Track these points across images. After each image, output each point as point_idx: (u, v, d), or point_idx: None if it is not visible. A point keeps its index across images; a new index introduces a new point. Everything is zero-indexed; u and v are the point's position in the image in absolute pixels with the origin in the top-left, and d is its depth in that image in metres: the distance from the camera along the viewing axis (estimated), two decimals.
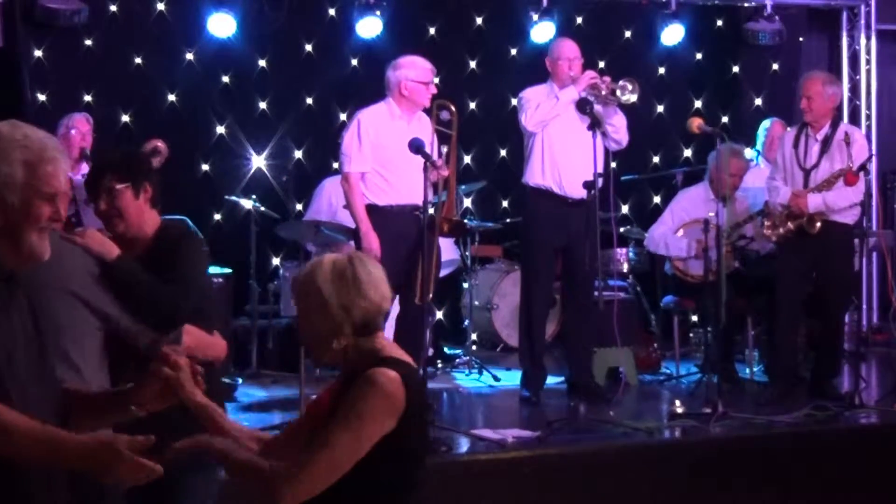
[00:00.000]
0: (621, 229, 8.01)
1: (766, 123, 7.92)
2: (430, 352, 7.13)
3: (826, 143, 6.40)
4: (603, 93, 6.27)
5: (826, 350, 6.61)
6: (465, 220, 6.57)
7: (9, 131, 2.40)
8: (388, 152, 6.00)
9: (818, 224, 6.30)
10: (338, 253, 2.81)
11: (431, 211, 5.73)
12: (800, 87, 6.56)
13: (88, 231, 3.45)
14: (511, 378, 7.11)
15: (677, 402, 6.23)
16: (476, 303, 8.15)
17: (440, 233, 5.77)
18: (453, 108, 6.08)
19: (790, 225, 6.39)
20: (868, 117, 9.85)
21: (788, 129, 6.79)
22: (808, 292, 6.58)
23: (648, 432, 5.42)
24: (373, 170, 6.05)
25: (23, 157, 2.37)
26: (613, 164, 6.74)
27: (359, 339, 2.70)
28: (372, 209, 6.03)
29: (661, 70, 9.55)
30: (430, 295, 5.80)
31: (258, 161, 8.57)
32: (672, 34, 9.17)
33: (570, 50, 6.44)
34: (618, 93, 6.26)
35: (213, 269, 7.30)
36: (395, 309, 6.14)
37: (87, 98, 8.16)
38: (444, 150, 6.02)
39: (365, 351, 2.70)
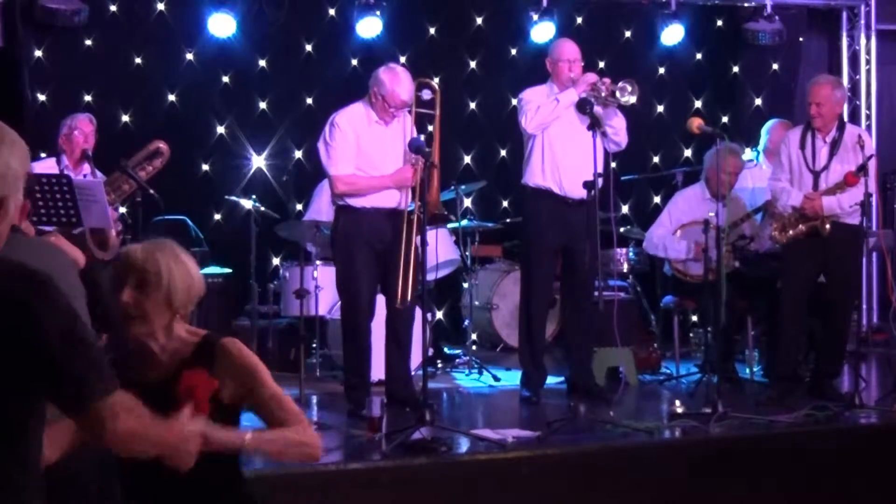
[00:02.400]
0: (621, 229, 8.01)
1: (769, 124, 7.91)
2: (430, 352, 7.13)
3: (835, 146, 6.38)
4: (603, 94, 6.26)
5: (830, 351, 6.59)
6: (447, 213, 6.53)
7: None
8: (365, 157, 5.93)
9: (828, 226, 6.30)
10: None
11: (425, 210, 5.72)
12: (807, 92, 6.48)
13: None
14: (511, 378, 7.11)
15: (677, 402, 6.22)
16: (476, 303, 8.15)
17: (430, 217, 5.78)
18: (436, 86, 6.04)
19: (802, 227, 6.37)
20: (868, 117, 9.85)
21: (792, 129, 6.76)
22: (810, 293, 6.56)
23: (648, 432, 5.42)
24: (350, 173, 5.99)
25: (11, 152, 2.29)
26: (613, 165, 6.74)
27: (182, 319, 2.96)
28: (346, 209, 6.00)
29: (661, 70, 9.56)
30: (409, 298, 5.81)
31: (258, 161, 8.57)
32: (672, 34, 9.17)
33: (570, 52, 6.43)
34: (617, 94, 6.25)
35: (213, 269, 7.32)
36: (383, 311, 6.14)
37: (87, 98, 8.16)
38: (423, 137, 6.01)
39: (186, 330, 2.97)
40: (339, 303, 6.30)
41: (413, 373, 6.63)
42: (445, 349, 8.12)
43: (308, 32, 8.73)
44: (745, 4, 9.50)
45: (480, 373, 7.40)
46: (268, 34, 8.60)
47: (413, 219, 5.76)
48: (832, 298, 6.50)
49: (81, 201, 5.59)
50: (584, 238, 6.11)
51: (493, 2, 9.19)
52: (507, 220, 8.68)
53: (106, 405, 2.23)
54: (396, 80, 5.90)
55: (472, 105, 9.14)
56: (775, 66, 9.82)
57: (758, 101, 9.79)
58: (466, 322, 8.12)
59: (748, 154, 7.92)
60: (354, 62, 8.76)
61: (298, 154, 8.67)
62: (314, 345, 7.39)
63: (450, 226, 7.85)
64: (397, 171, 5.91)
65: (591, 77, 6.31)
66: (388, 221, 5.93)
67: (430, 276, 7.11)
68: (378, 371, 6.23)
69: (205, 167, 8.52)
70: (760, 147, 7.87)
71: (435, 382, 6.93)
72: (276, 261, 8.46)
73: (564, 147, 6.32)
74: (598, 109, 6.18)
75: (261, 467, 4.85)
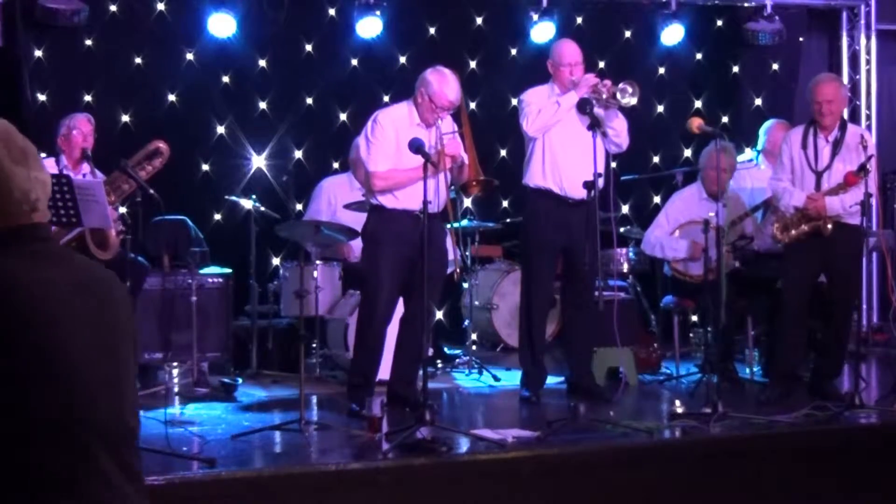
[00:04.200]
0: (621, 229, 8.01)
1: (767, 124, 7.90)
2: (430, 352, 7.13)
3: (837, 145, 6.37)
4: (604, 96, 6.26)
5: (830, 351, 6.59)
6: (492, 180, 6.59)
7: None
8: (403, 158, 5.89)
9: (829, 226, 6.29)
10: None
11: (428, 210, 5.72)
12: (814, 91, 6.40)
13: None
14: (511, 378, 7.11)
15: (677, 402, 6.23)
16: (476, 303, 8.14)
17: (471, 193, 5.80)
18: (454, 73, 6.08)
19: (805, 227, 6.37)
20: (868, 117, 9.85)
21: (793, 129, 6.74)
22: (810, 293, 6.56)
23: (648, 432, 5.42)
24: None
25: None
26: (613, 165, 6.74)
27: None
28: (378, 210, 6.01)
29: (661, 70, 9.56)
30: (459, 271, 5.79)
31: (258, 161, 8.57)
32: (672, 34, 9.17)
33: (571, 55, 6.42)
34: (618, 95, 6.24)
35: (213, 269, 7.33)
36: (399, 310, 6.14)
37: (87, 98, 8.16)
38: (455, 128, 6.03)
39: None
40: (359, 301, 6.27)
41: None
42: (445, 349, 8.12)
43: (308, 32, 8.73)
44: (745, 4, 9.50)
45: (480, 373, 7.40)
46: (268, 34, 8.60)
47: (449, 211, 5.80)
48: (833, 298, 6.50)
49: (81, 201, 5.60)
50: (585, 238, 6.10)
51: (493, 2, 9.20)
52: (508, 220, 8.68)
53: None
54: (444, 80, 5.92)
55: (472, 105, 9.14)
56: (775, 66, 9.82)
57: (758, 101, 9.79)
58: (466, 322, 8.11)
59: (748, 154, 7.92)
60: (354, 62, 8.77)
61: (298, 154, 8.67)
62: (314, 345, 7.39)
63: (448, 226, 7.84)
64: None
65: (592, 79, 6.31)
66: (419, 223, 5.89)
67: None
68: (380, 371, 6.22)
69: (205, 167, 8.52)
70: (759, 147, 7.87)
71: (435, 382, 6.93)
72: (276, 261, 8.46)
73: (565, 148, 6.32)
74: (598, 111, 6.18)
75: (260, 467, 4.86)
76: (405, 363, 6.08)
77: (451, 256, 6.22)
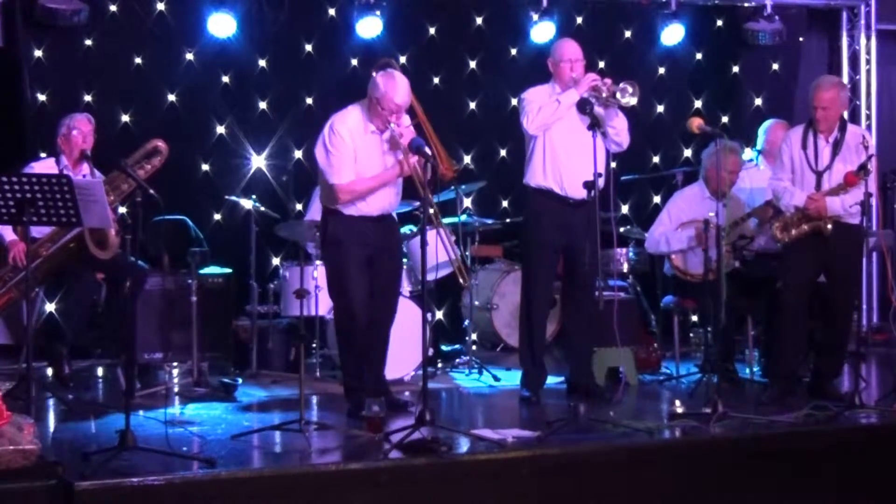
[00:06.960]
0: (621, 229, 8.01)
1: (766, 124, 7.89)
2: (431, 352, 7.13)
3: (837, 146, 6.37)
4: (604, 95, 6.26)
5: (831, 351, 6.58)
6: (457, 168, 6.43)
7: None
8: (363, 166, 5.85)
9: (829, 226, 6.29)
10: None
11: (431, 210, 5.72)
12: (811, 95, 6.39)
13: None
14: (511, 378, 7.11)
15: (677, 402, 6.22)
16: (476, 303, 8.14)
17: (447, 181, 5.75)
18: (394, 63, 6.03)
19: (805, 227, 6.37)
20: (868, 117, 9.86)
21: (792, 129, 6.73)
22: (810, 293, 6.56)
23: (648, 432, 5.42)
24: None
25: None
26: (613, 164, 6.74)
27: None
28: (335, 214, 5.91)
29: (661, 70, 9.56)
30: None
31: (258, 161, 8.58)
32: (672, 34, 9.19)
33: (571, 51, 6.42)
34: (618, 95, 6.24)
35: (213, 269, 7.33)
36: (403, 311, 6.14)
37: (87, 98, 8.17)
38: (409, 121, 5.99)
39: None
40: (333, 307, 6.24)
41: (413, 373, 6.63)
42: (445, 349, 8.12)
43: (308, 32, 8.73)
44: (745, 4, 9.51)
45: (480, 373, 7.40)
46: (268, 34, 8.61)
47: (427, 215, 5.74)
48: (833, 298, 6.50)
49: (81, 201, 5.60)
50: (585, 238, 6.10)
51: (493, 2, 9.20)
52: (508, 220, 8.68)
53: None
54: (391, 83, 5.78)
55: (472, 105, 9.14)
56: (775, 66, 9.83)
57: (758, 101, 9.80)
58: (466, 322, 8.11)
59: (748, 154, 7.92)
60: (354, 62, 8.77)
61: (298, 154, 8.67)
62: (314, 345, 7.39)
63: (447, 221, 7.85)
64: (389, 169, 5.89)
65: (593, 77, 6.31)
66: (375, 226, 5.91)
67: (430, 276, 7.11)
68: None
69: (205, 167, 8.52)
70: (758, 147, 7.86)
71: (435, 382, 6.94)
72: (276, 261, 8.46)
73: (566, 147, 6.32)
74: (598, 110, 6.18)
75: (260, 467, 4.86)
76: (377, 364, 6.05)
77: (454, 256, 6.19)
